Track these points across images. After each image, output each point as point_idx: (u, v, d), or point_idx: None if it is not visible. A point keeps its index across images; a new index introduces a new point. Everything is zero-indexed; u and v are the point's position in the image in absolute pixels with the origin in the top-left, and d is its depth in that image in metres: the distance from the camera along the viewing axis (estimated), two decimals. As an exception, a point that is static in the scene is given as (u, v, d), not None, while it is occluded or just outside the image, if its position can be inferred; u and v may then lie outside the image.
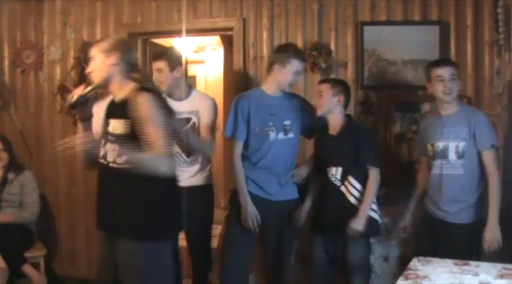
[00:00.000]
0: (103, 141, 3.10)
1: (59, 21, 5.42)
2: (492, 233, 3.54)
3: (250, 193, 3.95)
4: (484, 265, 3.06)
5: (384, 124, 4.61)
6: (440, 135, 3.71)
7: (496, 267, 3.01)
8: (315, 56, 4.63)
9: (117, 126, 3.02)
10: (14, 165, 5.02)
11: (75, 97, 3.10)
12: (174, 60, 4.09)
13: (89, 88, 3.09)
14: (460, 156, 3.65)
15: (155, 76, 4.08)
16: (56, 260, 5.43)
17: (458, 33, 4.50)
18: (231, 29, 4.96)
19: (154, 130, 2.92)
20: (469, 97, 4.44)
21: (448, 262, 3.11)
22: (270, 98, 3.97)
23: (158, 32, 5.26)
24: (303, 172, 4.04)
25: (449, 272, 2.94)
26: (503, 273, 2.91)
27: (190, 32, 5.09)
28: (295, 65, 3.89)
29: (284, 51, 3.98)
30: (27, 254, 4.79)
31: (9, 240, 4.62)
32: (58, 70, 5.43)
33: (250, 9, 4.88)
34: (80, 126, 3.23)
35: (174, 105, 3.57)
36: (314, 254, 3.95)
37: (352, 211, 3.77)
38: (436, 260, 3.15)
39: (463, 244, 3.60)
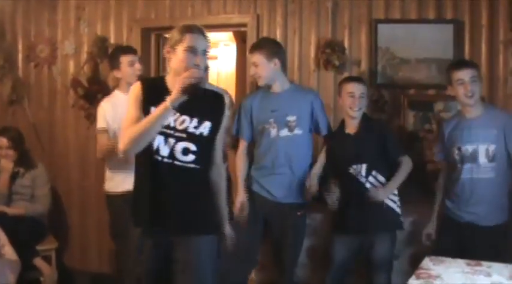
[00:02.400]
0: (165, 137, 2.91)
1: (73, 16, 5.44)
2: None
3: (254, 192, 3.98)
4: (496, 265, 3.05)
5: (397, 123, 4.59)
6: (468, 139, 3.64)
7: (508, 268, 3.00)
8: (329, 54, 4.62)
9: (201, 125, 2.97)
10: (26, 159, 5.03)
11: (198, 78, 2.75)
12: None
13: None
14: (491, 159, 3.59)
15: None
16: (67, 254, 5.45)
17: (472, 32, 4.48)
18: (244, 25, 4.96)
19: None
20: (483, 97, 4.42)
21: (460, 262, 3.11)
22: (273, 95, 3.98)
23: (172, 28, 5.20)
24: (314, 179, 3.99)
25: (462, 272, 2.93)
26: (516, 274, 2.90)
27: (204, 27, 5.09)
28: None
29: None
30: (38, 248, 4.80)
31: (21, 233, 4.63)
32: (71, 64, 5.45)
33: (264, 6, 4.88)
34: (161, 114, 2.78)
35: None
36: (335, 254, 3.95)
37: (380, 206, 3.79)
38: (448, 260, 3.14)
39: (494, 246, 3.54)
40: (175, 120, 2.89)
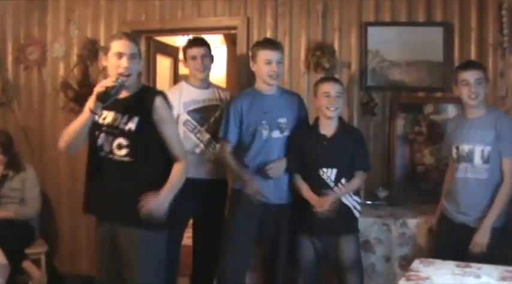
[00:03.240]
0: (99, 132, 3.23)
1: (63, 18, 5.42)
2: (480, 237, 3.53)
3: (246, 194, 3.90)
4: (485, 267, 3.05)
5: (387, 125, 4.60)
6: (465, 138, 3.66)
7: (498, 269, 3.01)
8: (319, 56, 4.62)
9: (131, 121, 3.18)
10: (15, 162, 5.00)
11: (110, 86, 3.02)
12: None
13: (120, 80, 3.08)
14: (486, 160, 3.59)
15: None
16: (57, 257, 5.43)
17: (462, 34, 4.50)
18: (235, 27, 4.96)
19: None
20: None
21: (450, 264, 3.11)
22: (263, 96, 3.97)
23: (162, 30, 5.25)
24: (282, 165, 3.95)
25: (451, 274, 2.94)
26: (505, 275, 2.91)
27: (194, 30, 5.11)
28: (262, 54, 3.90)
29: (252, 46, 4.09)
30: (28, 251, 4.78)
31: (10, 236, 4.61)
32: (61, 67, 5.43)
33: (255, 9, 4.88)
34: (84, 118, 3.11)
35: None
36: (302, 255, 3.94)
37: (345, 211, 3.81)
38: (438, 261, 3.14)
39: (486, 249, 3.53)
40: (113, 119, 3.19)
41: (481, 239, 3.53)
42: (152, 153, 3.21)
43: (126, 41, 3.18)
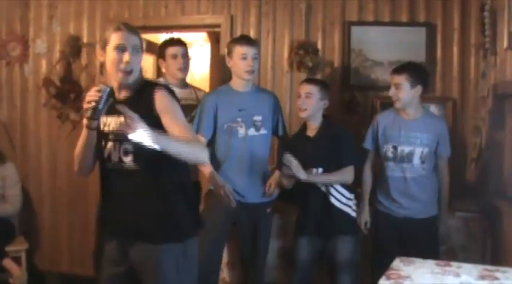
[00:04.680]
0: (105, 142, 2.82)
1: (46, 14, 5.39)
2: (444, 228, 3.94)
3: (221, 196, 3.82)
4: (465, 266, 3.07)
5: (369, 124, 4.60)
6: (406, 140, 3.85)
7: (477, 268, 3.03)
8: (302, 55, 4.63)
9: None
10: (-3, 155, 4.97)
11: (96, 100, 2.60)
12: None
13: (103, 89, 2.62)
14: (423, 160, 3.85)
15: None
16: (38, 255, 5.39)
17: (444, 35, 4.53)
18: (218, 25, 4.95)
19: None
20: (454, 100, 4.47)
21: (430, 263, 3.12)
22: (238, 94, 3.95)
23: (145, 27, 5.22)
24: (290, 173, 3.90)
25: (431, 272, 2.95)
26: (484, 274, 2.92)
27: (178, 28, 5.09)
28: (238, 49, 3.90)
29: (228, 43, 4.08)
30: (8, 249, 4.75)
31: (-10, 233, 4.59)
32: (44, 63, 5.40)
33: (238, 7, 4.88)
34: (85, 136, 2.74)
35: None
36: (298, 255, 3.95)
37: (333, 211, 3.82)
38: (418, 260, 3.15)
39: (429, 235, 3.87)
40: (117, 124, 2.74)
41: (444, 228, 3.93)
42: (161, 155, 2.55)
43: (127, 33, 2.78)
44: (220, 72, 5.07)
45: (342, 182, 3.83)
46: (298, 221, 3.98)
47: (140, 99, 2.76)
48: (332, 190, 3.83)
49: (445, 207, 3.95)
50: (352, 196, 3.91)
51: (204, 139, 3.87)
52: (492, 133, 4.09)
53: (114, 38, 2.76)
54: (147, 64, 6.26)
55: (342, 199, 3.85)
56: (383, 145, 3.91)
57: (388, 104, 4.46)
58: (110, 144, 2.79)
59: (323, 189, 3.83)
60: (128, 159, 2.75)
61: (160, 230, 2.77)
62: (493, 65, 4.09)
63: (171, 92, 2.84)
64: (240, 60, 3.89)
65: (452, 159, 4.03)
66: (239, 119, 3.88)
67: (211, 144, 3.93)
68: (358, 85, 4.65)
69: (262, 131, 3.93)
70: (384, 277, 2.84)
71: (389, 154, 3.88)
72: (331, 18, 4.70)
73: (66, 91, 5.16)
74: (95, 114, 2.62)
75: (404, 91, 3.81)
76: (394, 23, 4.59)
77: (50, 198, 5.41)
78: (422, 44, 4.52)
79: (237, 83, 3.96)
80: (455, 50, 4.52)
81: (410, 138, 3.83)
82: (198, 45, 7.41)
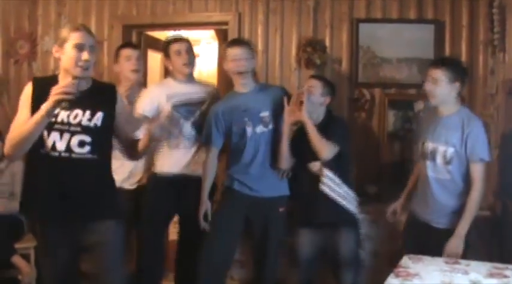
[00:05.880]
0: (59, 132, 3.02)
1: (54, 12, 5.40)
2: (454, 245, 3.40)
3: (235, 191, 3.97)
4: (474, 264, 3.07)
5: (377, 122, 4.61)
6: (431, 136, 3.57)
7: (486, 266, 3.03)
8: (310, 52, 4.63)
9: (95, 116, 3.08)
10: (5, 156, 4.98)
11: (70, 92, 2.80)
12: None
13: (76, 83, 2.86)
14: (448, 161, 3.49)
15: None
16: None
17: (453, 32, 4.52)
18: (226, 23, 4.96)
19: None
20: (462, 97, 4.45)
21: (439, 261, 3.12)
22: (240, 95, 3.98)
23: (153, 25, 5.25)
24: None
25: (440, 270, 2.95)
26: (493, 272, 2.92)
27: (185, 25, 5.10)
28: (229, 52, 3.93)
29: (223, 49, 4.06)
30: (17, 246, 4.75)
31: (-1, 231, 4.60)
32: (52, 61, 5.39)
33: (246, 4, 4.88)
34: (39, 122, 2.85)
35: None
36: (300, 249, 3.95)
37: (332, 205, 3.80)
38: (426, 258, 3.16)
39: (441, 249, 3.43)
40: (68, 116, 2.99)
41: (455, 248, 3.40)
42: (110, 147, 3.20)
43: (85, 33, 3.02)
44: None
45: (321, 148, 3.72)
46: (300, 213, 3.97)
47: (100, 96, 3.11)
48: (328, 182, 3.81)
49: (467, 224, 3.41)
50: (348, 189, 3.86)
51: (214, 150, 4.01)
52: (501, 131, 4.08)
53: (74, 37, 2.98)
54: (155, 61, 6.27)
55: (337, 190, 3.83)
56: (418, 142, 3.75)
57: (396, 101, 4.49)
58: (54, 134, 2.99)
59: (315, 169, 3.82)
60: (83, 150, 3.02)
61: (110, 209, 3.17)
62: (501, 62, 4.09)
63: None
64: (231, 61, 3.93)
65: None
66: (245, 119, 3.90)
67: (226, 150, 4.04)
68: (366, 83, 4.64)
69: (271, 126, 3.94)
70: (392, 274, 2.85)
71: (420, 151, 3.67)
72: (339, 15, 4.70)
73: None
74: (64, 102, 2.79)
75: (442, 88, 3.48)
76: (402, 19, 4.58)
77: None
78: (430, 41, 4.51)
79: (239, 85, 3.99)
80: (463, 46, 4.50)
81: (435, 134, 3.54)
82: (205, 43, 7.42)
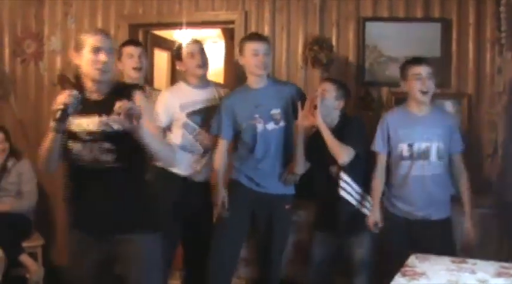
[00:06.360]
0: (73, 141, 2.92)
1: (60, 11, 5.41)
2: (470, 231, 3.73)
3: (242, 185, 4.00)
4: (481, 263, 3.07)
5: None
6: (421, 136, 3.70)
7: (493, 265, 3.02)
8: (316, 51, 4.62)
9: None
10: (13, 154, 5.01)
11: (67, 103, 2.73)
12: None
13: (74, 94, 2.78)
14: (440, 156, 3.71)
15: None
16: (54, 251, 5.41)
17: (460, 30, 4.49)
18: (232, 22, 4.95)
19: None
20: (469, 95, 4.44)
21: (446, 260, 3.12)
22: (253, 91, 4.00)
23: (159, 24, 5.25)
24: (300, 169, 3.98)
25: (447, 269, 2.94)
26: (500, 271, 2.92)
27: (191, 24, 5.09)
28: (249, 46, 3.93)
29: (240, 41, 4.12)
30: (24, 245, 4.78)
31: (7, 230, 4.61)
32: (58, 60, 5.42)
33: (252, 3, 4.87)
34: (51, 139, 2.81)
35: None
36: (314, 251, 3.96)
37: (349, 209, 3.84)
38: (433, 257, 3.15)
39: (444, 237, 3.72)
40: (93, 124, 2.90)
41: (471, 233, 3.73)
42: (137, 154, 2.91)
43: (102, 36, 2.95)
44: (234, 69, 5.08)
45: (338, 153, 3.74)
46: (317, 216, 4.02)
47: (120, 96, 2.84)
48: (346, 187, 3.82)
49: (470, 210, 3.75)
50: (363, 192, 3.89)
51: (225, 142, 4.02)
52: (508, 129, 4.07)
53: (91, 41, 2.91)
54: (161, 60, 6.28)
55: (354, 195, 3.86)
56: (397, 145, 3.77)
57: (403, 100, 4.45)
58: (79, 144, 2.91)
59: (342, 185, 3.83)
60: (108, 158, 2.89)
61: (138, 221, 2.98)
62: (509, 61, 4.07)
63: (146, 94, 3.10)
64: (251, 56, 3.91)
65: (468, 155, 4.00)
66: (256, 115, 3.92)
67: (235, 144, 4.06)
68: (372, 82, 4.63)
69: (282, 123, 3.95)
70: (399, 274, 2.85)
71: (405, 153, 3.74)
72: (345, 13, 4.68)
73: (81, 89, 5.17)
74: (63, 116, 2.72)
75: (433, 82, 3.75)
76: (409, 18, 4.56)
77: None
78: (437, 40, 4.49)
79: (252, 80, 3.99)
80: (470, 45, 4.48)
81: (427, 133, 3.70)
82: (212, 42, 7.41)
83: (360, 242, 3.84)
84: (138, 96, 2.94)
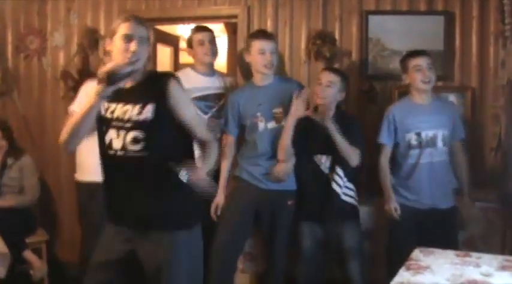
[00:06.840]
0: (106, 128, 2.82)
1: (63, 7, 5.40)
2: (469, 204, 3.93)
3: (244, 180, 4.03)
4: (485, 256, 3.07)
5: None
6: (428, 124, 3.84)
7: (497, 259, 3.02)
8: (319, 45, 4.60)
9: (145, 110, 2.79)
10: (14, 150, 5.00)
11: (120, 66, 2.66)
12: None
13: (130, 65, 2.70)
14: (445, 143, 3.86)
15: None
16: (58, 246, 5.43)
17: (463, 23, 4.48)
18: (235, 16, 4.94)
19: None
20: (473, 89, 4.43)
21: (450, 253, 3.12)
22: (258, 88, 4.03)
23: (162, 19, 5.24)
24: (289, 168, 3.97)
25: (451, 263, 2.94)
26: (504, 265, 2.92)
27: (194, 19, 5.09)
28: (256, 44, 3.95)
29: (247, 38, 4.16)
30: (28, 240, 4.79)
31: (11, 226, 4.61)
32: (61, 56, 5.42)
33: (255, -3, 4.87)
34: (90, 105, 2.68)
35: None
36: (303, 243, 3.98)
37: (337, 200, 3.86)
38: (437, 251, 3.15)
39: (449, 225, 3.85)
40: (123, 111, 2.80)
41: (469, 202, 3.93)
42: (170, 143, 2.81)
43: (135, 23, 2.79)
44: (237, 63, 5.07)
45: (350, 156, 3.77)
46: (300, 207, 3.99)
47: (151, 87, 2.80)
48: (337, 178, 3.84)
49: (468, 192, 3.93)
50: (353, 187, 3.93)
51: (232, 138, 4.08)
52: (510, 122, 4.06)
53: (122, 28, 2.79)
54: (164, 55, 6.27)
55: (343, 187, 3.88)
56: (405, 135, 3.87)
57: (406, 94, 4.45)
58: (111, 131, 2.82)
59: (326, 171, 3.86)
60: (138, 147, 2.77)
61: (170, 218, 2.83)
62: (512, 54, 4.06)
63: (182, 83, 2.89)
64: (257, 54, 3.94)
65: (471, 148, 4.00)
66: (258, 114, 3.95)
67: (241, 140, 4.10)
68: (376, 75, 4.62)
69: (284, 122, 3.93)
70: (403, 267, 2.85)
71: (414, 142, 3.85)
72: (348, 7, 4.67)
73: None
74: (114, 78, 2.62)
75: (434, 73, 3.89)
76: (412, 11, 4.55)
77: (69, 190, 5.41)
78: (440, 33, 4.47)
79: (258, 78, 4.02)
80: (474, 38, 4.47)
81: (432, 121, 3.85)
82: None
83: (348, 230, 3.88)
84: (171, 86, 2.80)
